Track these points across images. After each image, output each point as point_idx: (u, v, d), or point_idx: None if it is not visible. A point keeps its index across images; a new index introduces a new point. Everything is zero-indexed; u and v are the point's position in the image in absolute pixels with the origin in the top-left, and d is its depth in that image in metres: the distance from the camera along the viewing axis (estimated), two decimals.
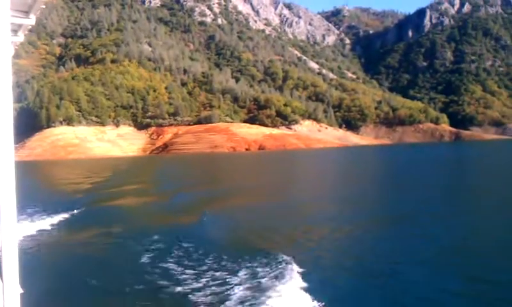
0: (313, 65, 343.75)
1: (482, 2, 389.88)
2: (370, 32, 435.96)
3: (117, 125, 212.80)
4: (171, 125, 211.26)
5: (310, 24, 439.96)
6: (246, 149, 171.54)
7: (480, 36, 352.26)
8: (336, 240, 19.21)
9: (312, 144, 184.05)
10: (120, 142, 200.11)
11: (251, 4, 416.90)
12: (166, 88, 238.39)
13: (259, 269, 14.16)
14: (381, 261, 15.58)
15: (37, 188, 47.83)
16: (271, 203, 30.94)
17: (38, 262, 16.08)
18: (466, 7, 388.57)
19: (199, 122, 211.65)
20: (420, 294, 12.58)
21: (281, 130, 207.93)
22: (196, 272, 14.38)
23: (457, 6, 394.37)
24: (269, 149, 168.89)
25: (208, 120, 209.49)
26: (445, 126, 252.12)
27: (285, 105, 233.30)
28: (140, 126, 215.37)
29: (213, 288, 12.73)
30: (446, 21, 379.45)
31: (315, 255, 16.51)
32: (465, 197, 32.18)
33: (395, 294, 12.75)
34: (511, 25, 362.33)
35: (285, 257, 15.12)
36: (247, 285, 12.71)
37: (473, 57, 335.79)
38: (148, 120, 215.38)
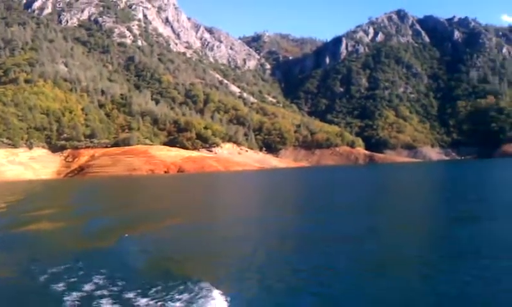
0: (235, 89, 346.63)
1: (394, 32, 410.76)
2: (290, 58, 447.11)
3: (30, 147, 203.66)
4: (87, 147, 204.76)
5: (231, 48, 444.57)
6: (165, 172, 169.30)
7: (393, 64, 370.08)
8: (257, 263, 19.11)
9: (230, 166, 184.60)
10: (33, 164, 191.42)
11: (171, 27, 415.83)
12: (82, 109, 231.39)
13: (178, 295, 14.02)
14: (304, 279, 15.95)
15: None
16: (190, 226, 30.60)
17: None
18: (380, 37, 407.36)
19: (117, 144, 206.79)
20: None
21: (200, 153, 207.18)
22: (111, 298, 14.02)
23: (371, 35, 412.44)
24: (188, 172, 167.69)
25: (126, 142, 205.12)
26: (360, 150, 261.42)
27: (206, 128, 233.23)
28: (55, 149, 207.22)
29: None
30: (361, 49, 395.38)
31: (236, 280, 16.43)
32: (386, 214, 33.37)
33: None
34: (421, 54, 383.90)
35: (204, 282, 15.10)
36: None
37: (386, 84, 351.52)
38: (63, 142, 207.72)
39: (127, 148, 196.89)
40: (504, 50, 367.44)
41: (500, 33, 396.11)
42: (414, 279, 16.42)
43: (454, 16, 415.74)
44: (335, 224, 28.24)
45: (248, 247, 22.12)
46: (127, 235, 25.51)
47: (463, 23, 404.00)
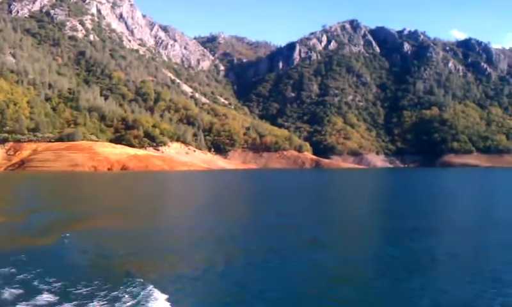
0: (187, 88, 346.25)
1: (346, 41, 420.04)
2: (244, 60, 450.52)
3: None
4: (30, 140, 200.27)
5: (185, 48, 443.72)
6: (108, 169, 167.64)
7: (343, 72, 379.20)
8: (200, 264, 19.31)
9: (176, 166, 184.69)
10: None
11: (125, 23, 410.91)
12: (28, 102, 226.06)
13: (120, 295, 13.98)
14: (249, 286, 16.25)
15: None
16: (134, 226, 30.65)
17: None
18: (333, 45, 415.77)
19: (61, 139, 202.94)
20: None
21: (146, 151, 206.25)
22: (50, 298, 13.76)
23: (324, 43, 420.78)
24: (132, 170, 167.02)
25: (70, 138, 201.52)
26: (307, 154, 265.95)
27: (154, 126, 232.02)
28: None
29: None
30: (314, 56, 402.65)
31: (179, 280, 16.52)
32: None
33: None
34: (371, 63, 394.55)
35: (147, 283, 15.10)
36: None
37: (336, 91, 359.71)
38: (5, 135, 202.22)
39: (71, 143, 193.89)
40: (450, 64, 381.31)
41: (448, 48, 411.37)
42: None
43: (405, 29, 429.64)
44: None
45: (188, 248, 22.55)
46: (67, 234, 24.95)
47: (413, 36, 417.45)
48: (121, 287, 14.63)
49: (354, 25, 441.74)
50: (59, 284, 15.20)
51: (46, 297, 13.81)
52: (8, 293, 14.42)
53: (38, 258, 19.25)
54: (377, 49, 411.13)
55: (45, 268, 17.20)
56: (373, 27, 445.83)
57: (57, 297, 13.85)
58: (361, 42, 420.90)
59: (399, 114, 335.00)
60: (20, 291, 14.58)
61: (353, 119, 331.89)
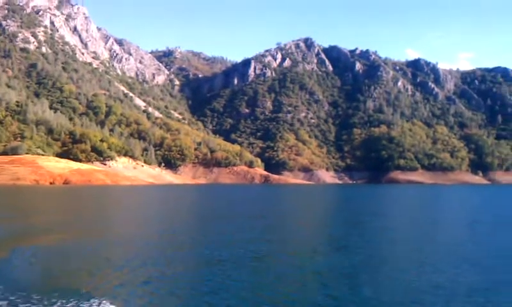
0: (140, 103, 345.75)
1: (300, 59, 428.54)
2: (200, 76, 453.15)
3: None
4: None
5: (140, 62, 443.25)
6: (51, 183, 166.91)
7: (297, 90, 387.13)
8: (149, 277, 19.58)
9: (119, 180, 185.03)
10: None
11: (79, 36, 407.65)
12: None
13: None
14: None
15: None
16: (82, 240, 30.27)
17: None
18: (287, 62, 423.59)
19: (5, 153, 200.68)
20: None
21: (90, 166, 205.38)
22: None
23: (278, 60, 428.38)
24: (75, 184, 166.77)
25: (14, 151, 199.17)
26: (257, 170, 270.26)
27: (102, 140, 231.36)
28: None
29: None
30: (268, 73, 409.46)
31: (128, 293, 16.76)
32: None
33: None
34: (323, 81, 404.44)
35: (97, 296, 15.16)
36: None
37: (289, 108, 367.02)
38: None
39: (15, 157, 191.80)
40: (400, 83, 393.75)
41: (397, 67, 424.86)
42: None
43: (357, 48, 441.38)
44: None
45: (136, 261, 22.68)
46: (15, 250, 24.78)
47: (364, 55, 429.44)
48: (71, 301, 14.63)
49: (308, 43, 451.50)
50: (7, 300, 14.96)
51: None
52: None
53: None
54: (330, 68, 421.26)
55: None
56: (326, 45, 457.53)
57: None
58: (315, 60, 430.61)
59: (349, 132, 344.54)
60: None
61: (305, 135, 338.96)
